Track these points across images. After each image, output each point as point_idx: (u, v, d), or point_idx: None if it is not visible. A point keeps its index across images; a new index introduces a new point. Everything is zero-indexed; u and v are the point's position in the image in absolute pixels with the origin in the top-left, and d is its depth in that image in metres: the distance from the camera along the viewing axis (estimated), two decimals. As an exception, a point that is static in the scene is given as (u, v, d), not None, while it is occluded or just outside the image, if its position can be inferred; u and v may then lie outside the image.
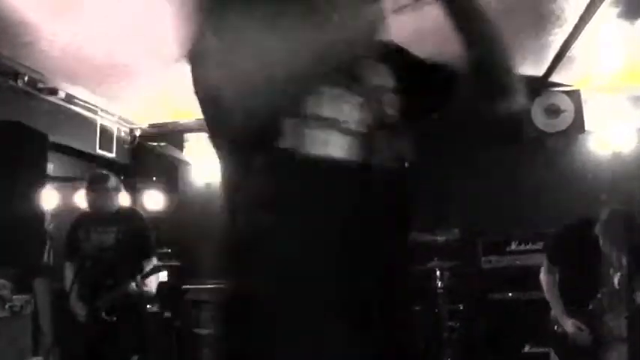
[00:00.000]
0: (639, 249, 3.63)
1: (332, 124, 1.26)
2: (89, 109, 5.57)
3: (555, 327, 3.84)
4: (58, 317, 4.73)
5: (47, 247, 4.45)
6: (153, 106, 5.88)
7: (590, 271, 3.64)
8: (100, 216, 4.30)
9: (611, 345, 3.57)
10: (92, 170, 4.60)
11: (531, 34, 4.53)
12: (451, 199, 5.58)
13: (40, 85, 4.89)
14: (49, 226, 4.79)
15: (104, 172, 4.50)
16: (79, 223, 4.39)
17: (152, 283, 4.44)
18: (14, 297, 4.30)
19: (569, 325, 3.68)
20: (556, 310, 3.79)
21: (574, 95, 5.67)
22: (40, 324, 4.62)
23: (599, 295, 3.62)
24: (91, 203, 4.31)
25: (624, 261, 3.53)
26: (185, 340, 5.46)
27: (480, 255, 5.66)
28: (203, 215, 6.28)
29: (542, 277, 3.93)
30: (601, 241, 3.61)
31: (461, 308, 5.37)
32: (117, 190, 4.38)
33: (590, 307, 3.65)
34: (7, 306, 4.22)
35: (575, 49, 4.76)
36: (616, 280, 3.58)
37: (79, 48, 4.27)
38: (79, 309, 4.19)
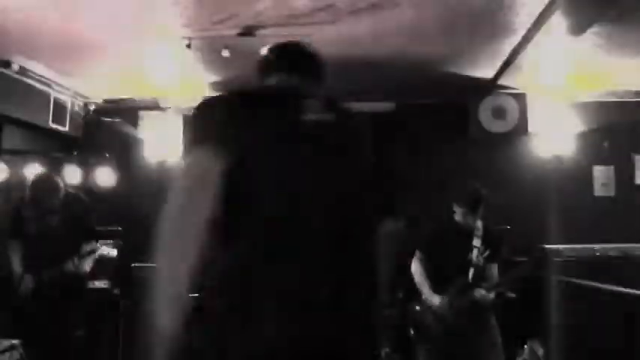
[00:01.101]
0: (497, 243, 4.11)
1: None
2: (43, 83, 5.51)
3: (417, 307, 4.23)
4: (2, 293, 4.78)
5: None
6: (108, 81, 5.85)
7: (452, 254, 4.08)
8: (44, 204, 4.36)
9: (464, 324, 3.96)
10: (37, 174, 4.60)
11: (484, 40, 4.73)
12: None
13: (-7, 58, 4.84)
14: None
15: (48, 173, 4.57)
16: (24, 206, 4.44)
17: (87, 265, 4.55)
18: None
19: (435, 300, 4.04)
20: (425, 291, 4.14)
21: (520, 98, 5.92)
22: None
23: (456, 282, 4.02)
24: (34, 201, 4.35)
25: (479, 242, 4.02)
26: (133, 317, 5.57)
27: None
28: (155, 194, 6.34)
29: (413, 265, 4.29)
30: (461, 224, 4.06)
31: (400, 296, 5.60)
32: (59, 189, 4.41)
33: (452, 287, 4.03)
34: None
35: (524, 57, 4.98)
36: (470, 273, 4.01)
37: (33, 21, 4.23)
38: (28, 283, 4.29)
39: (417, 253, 4.28)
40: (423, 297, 4.14)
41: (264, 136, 1.61)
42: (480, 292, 3.94)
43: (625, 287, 4.64)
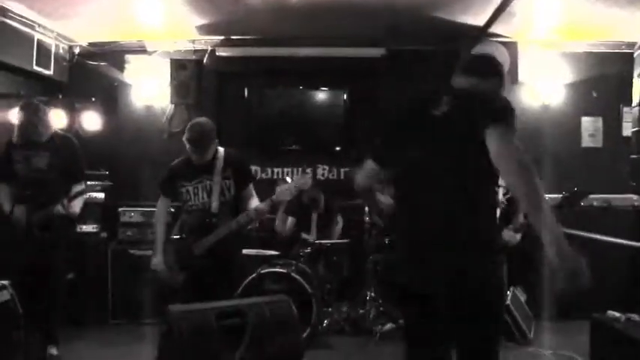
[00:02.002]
0: None
1: None
2: (25, 24, 5.38)
3: None
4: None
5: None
6: (93, 24, 5.72)
7: None
8: (33, 141, 4.33)
9: None
10: (23, 100, 4.52)
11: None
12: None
13: (-28, -2, 4.71)
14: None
15: (34, 101, 4.46)
16: (12, 146, 4.40)
17: (77, 207, 4.51)
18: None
19: None
20: None
21: (510, 47, 5.85)
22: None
23: None
24: (21, 131, 4.31)
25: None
26: (120, 260, 5.62)
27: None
28: (141, 138, 6.33)
29: None
30: None
31: (386, 242, 5.69)
32: (47, 118, 4.38)
33: None
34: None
35: (516, 4, 4.92)
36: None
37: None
38: (19, 216, 4.30)
39: None
40: None
41: None
42: (508, 234, 3.90)
43: (608, 237, 4.72)
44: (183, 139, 3.83)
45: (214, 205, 3.81)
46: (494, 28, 5.62)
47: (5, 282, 3.16)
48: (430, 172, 2.32)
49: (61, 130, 4.86)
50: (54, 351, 4.43)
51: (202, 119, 3.95)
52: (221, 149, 3.93)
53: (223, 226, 3.78)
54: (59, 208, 4.32)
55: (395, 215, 2.66)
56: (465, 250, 2.21)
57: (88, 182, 4.73)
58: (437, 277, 2.24)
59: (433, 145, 2.33)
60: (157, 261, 3.92)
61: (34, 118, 4.29)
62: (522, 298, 5.32)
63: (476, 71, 2.49)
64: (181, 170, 3.95)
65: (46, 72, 5.81)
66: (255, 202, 3.89)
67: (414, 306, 2.37)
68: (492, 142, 2.16)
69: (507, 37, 5.87)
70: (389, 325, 5.15)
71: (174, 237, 4.06)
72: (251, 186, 3.98)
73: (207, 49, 6.24)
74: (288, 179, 3.89)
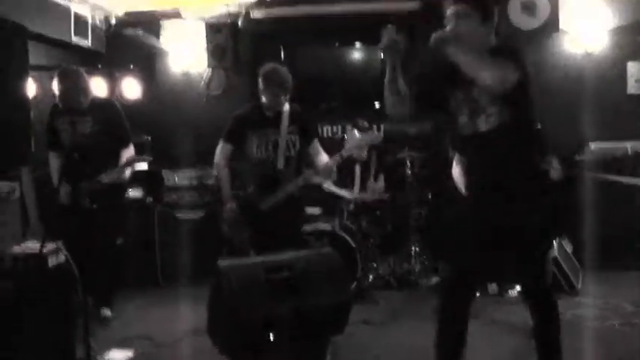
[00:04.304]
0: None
1: None
2: (62, -4, 5.45)
3: None
4: (44, 204, 4.92)
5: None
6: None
7: None
8: (74, 107, 4.37)
9: None
10: (61, 67, 4.56)
11: None
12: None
13: (9, -28, 4.75)
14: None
15: (72, 67, 4.49)
16: (56, 114, 4.47)
17: (126, 173, 4.53)
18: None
19: None
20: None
21: (550, -7, 5.69)
22: (27, 210, 4.82)
23: None
24: (62, 98, 4.36)
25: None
26: (166, 223, 5.73)
27: (448, 146, 5.88)
28: (180, 103, 6.40)
29: (454, 169, 4.04)
30: None
31: (429, 197, 5.67)
32: (86, 83, 4.42)
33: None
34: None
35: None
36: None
37: None
38: (66, 195, 4.29)
39: (456, 156, 4.13)
40: None
41: None
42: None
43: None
44: (261, 83, 3.81)
45: (280, 160, 3.82)
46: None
47: (59, 243, 3.25)
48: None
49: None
50: (108, 312, 4.59)
51: (279, 66, 3.95)
52: (286, 104, 3.92)
53: (289, 182, 3.79)
54: (108, 176, 4.31)
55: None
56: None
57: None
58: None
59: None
60: (231, 206, 3.93)
61: (72, 85, 4.33)
62: (569, 248, 5.26)
63: None
64: (250, 117, 3.94)
65: (84, 43, 5.89)
66: (324, 158, 3.89)
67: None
68: None
69: (547, -17, 5.70)
70: (435, 279, 5.17)
71: (238, 192, 4.08)
72: (316, 141, 3.97)
73: (241, 12, 6.21)
74: (356, 133, 3.84)
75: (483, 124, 2.60)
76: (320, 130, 6.28)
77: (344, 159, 3.87)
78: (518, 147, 2.61)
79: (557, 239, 5.09)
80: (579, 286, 5.00)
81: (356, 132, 5.08)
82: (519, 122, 2.57)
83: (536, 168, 2.73)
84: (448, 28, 2.60)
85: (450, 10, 2.64)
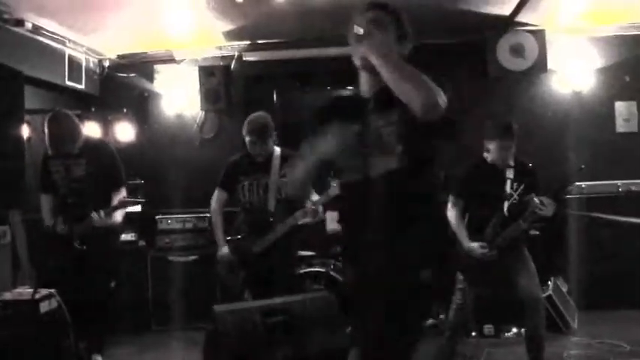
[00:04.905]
0: (532, 175, 3.98)
1: None
2: (57, 41, 5.49)
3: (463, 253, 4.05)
4: (35, 247, 4.87)
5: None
6: (121, 36, 5.81)
7: (488, 200, 3.95)
8: (66, 152, 4.35)
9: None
10: (52, 111, 4.58)
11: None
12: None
13: (6, 17, 4.80)
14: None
15: (62, 111, 4.45)
16: (49, 158, 4.45)
17: (119, 216, 4.50)
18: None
19: (474, 247, 3.88)
20: (462, 239, 3.98)
21: (538, 35, 5.79)
22: (18, 252, 4.77)
23: (493, 220, 3.90)
24: (53, 143, 4.32)
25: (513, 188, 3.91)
26: (159, 267, 5.69)
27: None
28: (174, 146, 6.41)
29: (449, 212, 4.10)
30: (494, 161, 3.94)
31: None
32: (77, 127, 4.40)
33: (486, 230, 3.93)
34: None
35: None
36: (505, 207, 3.90)
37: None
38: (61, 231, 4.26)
39: (451, 198, 4.12)
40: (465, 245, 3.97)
41: None
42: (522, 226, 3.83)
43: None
44: (243, 132, 3.90)
45: (271, 203, 3.88)
46: (521, 17, 5.56)
47: (52, 290, 3.21)
48: None
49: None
50: (99, 359, 4.50)
51: (261, 113, 4.06)
52: (277, 148, 4.00)
53: (280, 224, 3.84)
54: (99, 218, 4.26)
55: None
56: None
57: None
58: None
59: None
60: (224, 251, 4.01)
61: (62, 130, 4.30)
62: (564, 288, 5.25)
63: None
64: (241, 163, 4.07)
65: (78, 86, 5.93)
66: (314, 198, 3.93)
67: None
68: None
69: (534, 25, 5.80)
70: (429, 321, 5.12)
71: (232, 237, 4.13)
72: None
73: (234, 55, 6.29)
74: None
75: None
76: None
77: (330, 199, 3.90)
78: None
79: (552, 279, 5.09)
80: (575, 325, 4.98)
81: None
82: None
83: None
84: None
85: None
